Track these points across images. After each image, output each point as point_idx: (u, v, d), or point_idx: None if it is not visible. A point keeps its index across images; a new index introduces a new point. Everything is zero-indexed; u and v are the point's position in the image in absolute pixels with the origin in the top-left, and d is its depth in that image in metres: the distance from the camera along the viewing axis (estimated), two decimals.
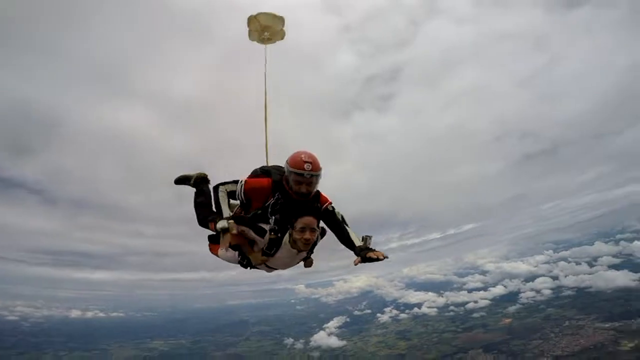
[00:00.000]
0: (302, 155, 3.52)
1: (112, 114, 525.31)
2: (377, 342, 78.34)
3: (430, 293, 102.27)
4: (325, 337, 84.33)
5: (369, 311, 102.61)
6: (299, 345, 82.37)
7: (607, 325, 55.56)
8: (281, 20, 5.51)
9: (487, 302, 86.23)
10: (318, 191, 3.77)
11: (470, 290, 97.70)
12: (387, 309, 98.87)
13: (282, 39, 5.68)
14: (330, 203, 3.82)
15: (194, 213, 4.12)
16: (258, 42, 5.71)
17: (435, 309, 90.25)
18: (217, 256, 4.01)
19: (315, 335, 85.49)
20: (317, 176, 3.57)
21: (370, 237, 3.55)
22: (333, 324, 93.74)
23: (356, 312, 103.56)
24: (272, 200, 3.57)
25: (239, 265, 3.87)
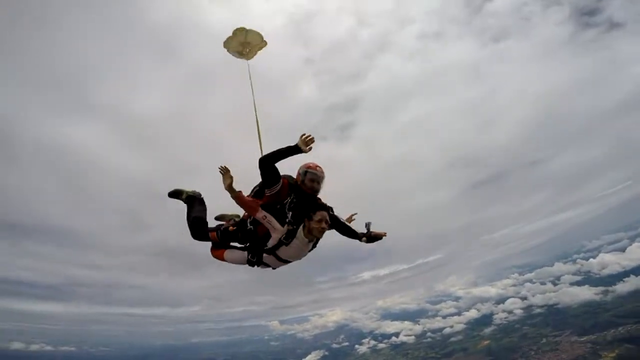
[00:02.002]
0: (313, 162, 4.42)
1: (62, 128, 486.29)
2: None
3: (406, 322, 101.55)
4: None
5: (346, 344, 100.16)
6: None
7: (583, 339, 56.57)
8: (253, 32, 5.86)
9: (462, 326, 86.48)
10: (326, 204, 4.47)
11: (444, 316, 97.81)
12: (364, 340, 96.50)
13: (265, 43, 5.99)
14: (332, 209, 4.51)
15: (188, 227, 4.71)
16: (251, 57, 6.02)
17: (412, 337, 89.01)
18: (223, 260, 4.52)
19: None
20: (324, 177, 4.42)
21: (370, 223, 4.67)
22: (311, 357, 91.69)
23: (334, 345, 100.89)
24: (289, 199, 4.25)
25: (247, 264, 4.40)
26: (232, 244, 4.60)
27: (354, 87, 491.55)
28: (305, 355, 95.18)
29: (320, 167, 4.46)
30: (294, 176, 4.49)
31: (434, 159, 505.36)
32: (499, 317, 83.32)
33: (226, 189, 4.05)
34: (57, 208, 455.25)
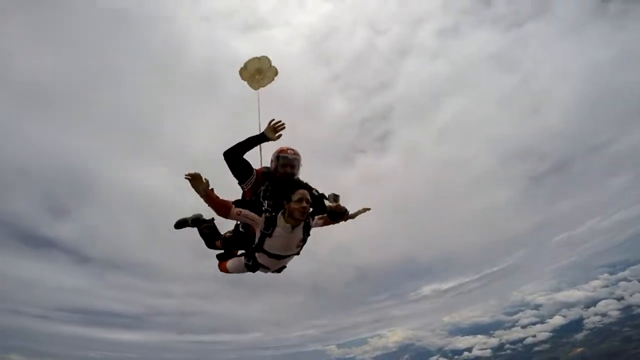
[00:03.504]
0: (285, 146, 4.23)
1: (134, 172, 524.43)
2: None
3: (479, 336, 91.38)
4: None
5: None
6: None
7: None
8: (266, 59, 5.79)
9: (547, 334, 76.00)
10: (305, 182, 4.27)
11: (524, 326, 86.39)
12: (432, 358, 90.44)
13: (277, 74, 5.93)
14: (316, 189, 4.26)
15: (202, 241, 4.76)
16: (261, 87, 5.97)
17: (488, 350, 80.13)
18: (227, 272, 4.47)
19: None
20: (298, 160, 4.21)
21: (337, 196, 4.15)
22: None
23: None
24: (263, 187, 4.07)
25: (247, 271, 4.21)
26: (238, 252, 4.49)
27: (383, 96, 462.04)
28: None
29: (292, 149, 4.23)
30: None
31: (481, 156, 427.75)
32: (591, 321, 72.14)
33: (201, 195, 3.56)
34: (134, 242, 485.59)
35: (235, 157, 3.98)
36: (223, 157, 3.98)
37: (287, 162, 4.15)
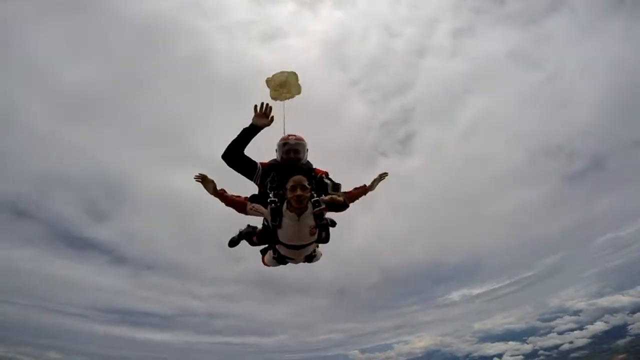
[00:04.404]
0: (286, 134, 4.28)
1: (167, 178, 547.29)
2: None
3: (511, 342, 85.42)
4: None
5: None
6: None
7: None
8: (294, 75, 5.92)
9: (586, 340, 70.15)
10: (312, 165, 4.27)
11: (561, 332, 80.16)
12: None
13: (299, 93, 6.02)
14: (326, 173, 4.21)
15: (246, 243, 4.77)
16: (280, 99, 6.04)
17: (520, 357, 75.02)
18: (267, 265, 4.54)
19: None
20: (302, 144, 4.20)
21: (338, 185, 3.91)
22: None
23: None
24: (270, 179, 4.02)
25: (279, 264, 4.30)
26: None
27: (404, 98, 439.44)
28: None
29: (294, 135, 4.25)
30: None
31: (508, 154, 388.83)
32: (637, 326, 65.50)
33: (212, 194, 3.78)
34: (167, 245, 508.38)
35: (232, 156, 3.88)
36: (223, 160, 3.87)
37: (289, 147, 4.15)
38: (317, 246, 4.40)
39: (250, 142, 3.97)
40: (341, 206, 3.76)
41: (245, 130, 3.81)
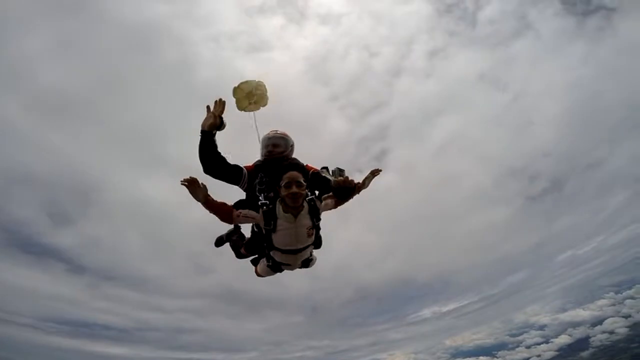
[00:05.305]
0: (269, 131, 4.16)
1: (139, 184, 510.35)
2: None
3: (481, 357, 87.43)
4: None
5: None
6: None
7: None
8: (263, 85, 5.54)
9: (552, 353, 73.18)
10: (302, 163, 4.06)
11: (529, 346, 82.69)
12: None
13: (265, 104, 5.59)
14: (316, 170, 3.95)
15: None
16: (247, 111, 5.60)
17: None
18: (260, 276, 4.25)
19: None
20: (284, 138, 4.09)
21: (342, 170, 3.67)
22: None
23: None
24: (257, 180, 3.78)
25: (274, 272, 4.02)
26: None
27: (380, 115, 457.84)
28: None
29: (274, 130, 4.14)
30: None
31: (475, 175, 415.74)
32: (598, 339, 69.23)
33: (200, 201, 3.34)
34: (133, 255, 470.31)
35: (213, 168, 3.54)
36: (207, 175, 3.54)
37: (270, 142, 4.02)
38: (313, 249, 4.01)
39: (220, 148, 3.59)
40: (351, 190, 3.52)
41: (200, 137, 3.44)
